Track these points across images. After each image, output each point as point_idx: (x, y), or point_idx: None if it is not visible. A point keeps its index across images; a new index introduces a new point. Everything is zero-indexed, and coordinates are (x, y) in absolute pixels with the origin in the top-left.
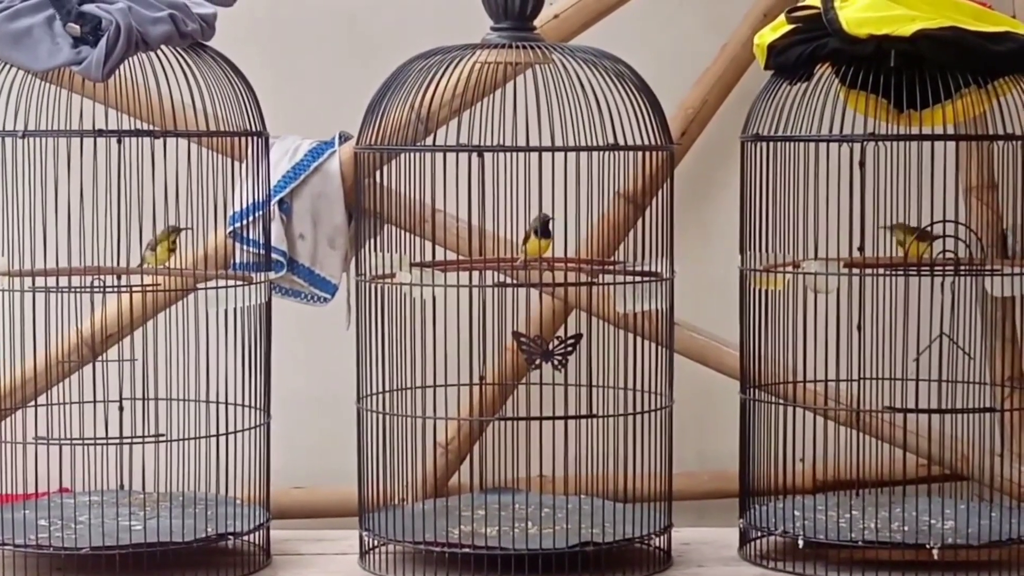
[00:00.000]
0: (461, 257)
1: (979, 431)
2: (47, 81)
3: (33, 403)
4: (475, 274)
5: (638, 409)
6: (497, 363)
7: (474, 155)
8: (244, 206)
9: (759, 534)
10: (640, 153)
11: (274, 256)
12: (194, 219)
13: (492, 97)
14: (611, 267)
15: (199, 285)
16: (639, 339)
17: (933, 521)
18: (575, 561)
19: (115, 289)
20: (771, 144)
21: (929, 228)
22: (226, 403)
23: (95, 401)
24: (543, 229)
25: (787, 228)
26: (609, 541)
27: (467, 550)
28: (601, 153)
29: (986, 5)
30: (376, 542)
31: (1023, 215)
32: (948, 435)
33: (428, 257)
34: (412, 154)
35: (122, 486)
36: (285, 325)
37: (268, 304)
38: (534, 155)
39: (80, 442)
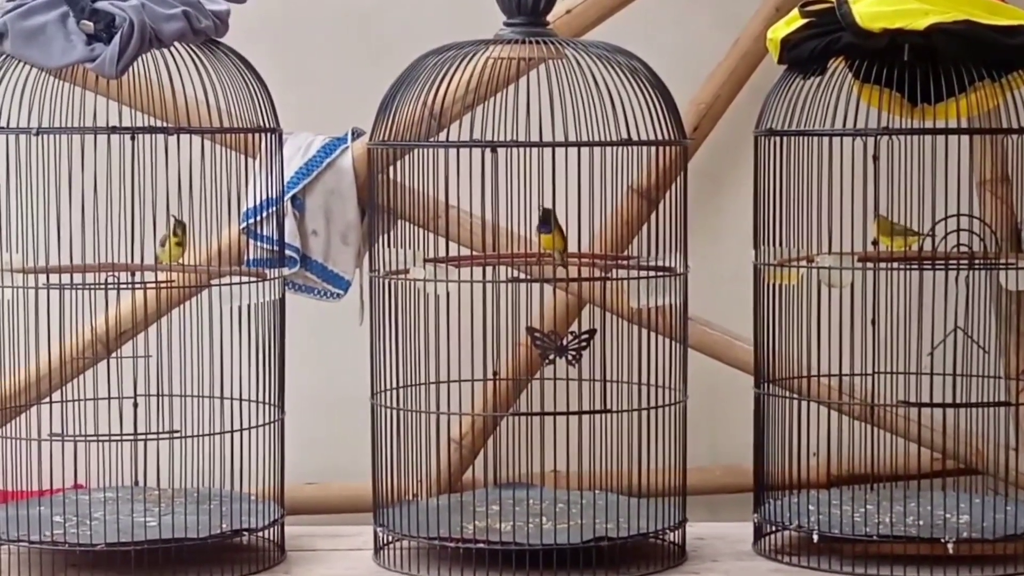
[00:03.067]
0: (474, 252)
1: (993, 425)
2: (61, 78)
3: (47, 399)
4: (488, 269)
5: (652, 404)
6: (511, 358)
7: (487, 150)
8: (257, 202)
9: (773, 529)
10: (653, 148)
11: (287, 252)
12: (207, 215)
13: (505, 93)
14: (624, 262)
15: (213, 281)
16: (653, 334)
17: (948, 515)
18: (589, 556)
19: (129, 286)
20: (784, 138)
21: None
22: (240, 399)
23: (109, 398)
24: (542, 223)
25: (801, 222)
26: (623, 536)
27: (481, 545)
28: (614, 148)
29: None
30: (390, 538)
31: None
32: (962, 429)
33: (441, 253)
34: (425, 150)
35: (137, 482)
36: (298, 321)
37: (282, 300)
38: (547, 150)
39: (95, 438)
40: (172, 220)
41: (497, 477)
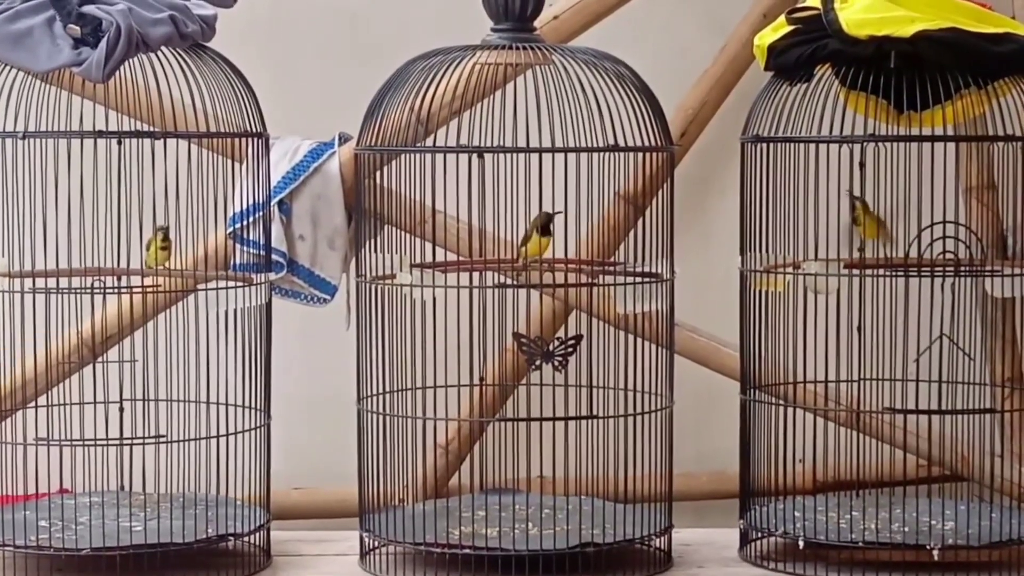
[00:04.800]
0: (461, 258)
1: (979, 432)
2: (47, 82)
3: (33, 404)
4: (475, 275)
5: (638, 410)
6: (497, 364)
7: (474, 156)
8: (244, 207)
9: (759, 535)
10: (640, 154)
11: (274, 257)
12: (194, 220)
13: (492, 98)
14: (611, 268)
15: (199, 286)
16: (639, 340)
17: (933, 522)
18: (575, 562)
19: (115, 290)
20: (771, 145)
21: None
22: (226, 404)
23: (95, 402)
24: (544, 227)
25: (787, 229)
26: (609, 542)
27: (467, 551)
28: (601, 154)
29: (986, 6)
30: (376, 543)
31: (1023, 216)
32: (948, 436)
33: (428, 258)
34: (412, 155)
35: (122, 487)
36: (285, 326)
37: (268, 305)
38: (534, 156)
39: (80, 443)
40: (156, 229)
41: (483, 482)
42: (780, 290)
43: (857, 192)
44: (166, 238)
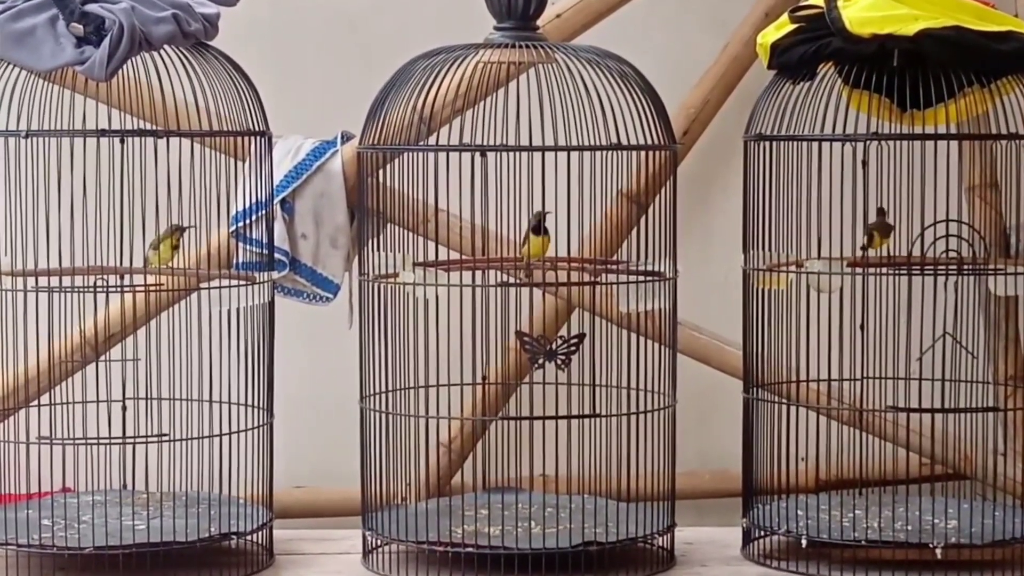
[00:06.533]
0: (464, 257)
1: (982, 430)
2: (50, 81)
3: (36, 403)
4: (478, 273)
5: (641, 409)
6: (500, 362)
7: (477, 154)
8: (247, 206)
9: (762, 533)
10: (643, 152)
11: (276, 256)
12: (197, 219)
13: (495, 97)
14: (614, 267)
15: (202, 285)
16: (642, 339)
17: (936, 520)
18: (578, 561)
19: (118, 289)
20: (774, 143)
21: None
22: (229, 403)
23: (98, 401)
24: (537, 226)
25: (790, 227)
26: (612, 541)
27: (470, 550)
28: (604, 152)
29: (989, 5)
30: (379, 542)
31: None
32: (951, 434)
33: (430, 257)
34: (415, 153)
35: (125, 486)
36: (288, 325)
37: (271, 304)
38: (537, 154)
39: (83, 442)
40: (172, 225)
41: (486, 481)
42: (783, 288)
43: (860, 192)
44: (182, 234)
